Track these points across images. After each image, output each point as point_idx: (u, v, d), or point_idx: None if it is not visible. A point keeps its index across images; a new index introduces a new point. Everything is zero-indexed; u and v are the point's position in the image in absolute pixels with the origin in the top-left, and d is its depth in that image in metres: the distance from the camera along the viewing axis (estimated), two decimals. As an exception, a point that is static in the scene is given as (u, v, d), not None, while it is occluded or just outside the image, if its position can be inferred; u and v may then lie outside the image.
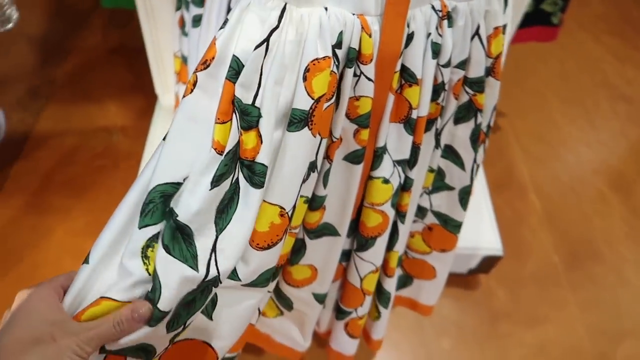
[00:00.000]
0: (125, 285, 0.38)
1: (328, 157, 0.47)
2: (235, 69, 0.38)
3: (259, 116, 0.39)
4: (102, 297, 0.38)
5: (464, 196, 0.61)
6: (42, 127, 1.22)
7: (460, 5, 0.44)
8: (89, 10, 1.49)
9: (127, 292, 0.38)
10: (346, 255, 0.62)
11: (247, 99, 0.39)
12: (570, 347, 1.04)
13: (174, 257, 0.38)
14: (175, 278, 0.38)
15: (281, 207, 0.43)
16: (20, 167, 1.14)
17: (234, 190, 0.40)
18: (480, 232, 1.02)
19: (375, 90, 0.44)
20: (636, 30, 1.80)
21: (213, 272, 0.40)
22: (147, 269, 0.38)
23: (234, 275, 0.44)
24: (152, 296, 0.37)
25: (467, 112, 0.53)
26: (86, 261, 0.39)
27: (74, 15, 1.48)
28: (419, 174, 0.56)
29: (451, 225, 0.65)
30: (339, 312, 0.68)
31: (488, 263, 1.03)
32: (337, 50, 0.39)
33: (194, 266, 0.39)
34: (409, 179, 0.52)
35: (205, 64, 0.38)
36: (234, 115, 0.39)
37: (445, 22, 0.43)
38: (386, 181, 0.51)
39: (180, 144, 0.39)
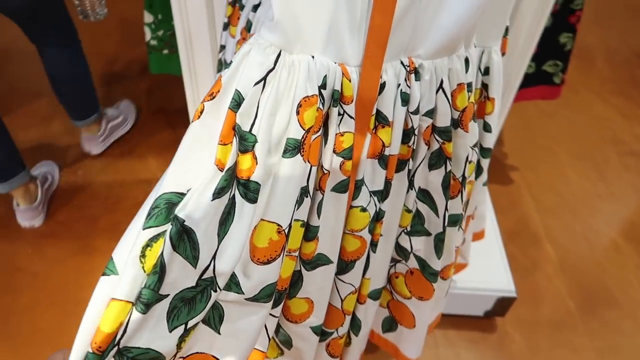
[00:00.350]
0: (125, 284, 0.43)
1: (320, 188, 0.53)
2: (237, 100, 0.46)
3: (255, 142, 0.46)
4: (111, 299, 0.43)
5: (438, 243, 0.65)
6: (92, 179, 1.35)
7: (425, 62, 0.52)
8: (136, 74, 1.68)
9: (128, 290, 0.43)
10: None
11: (246, 127, 0.46)
12: (589, 392, 1.05)
13: (177, 253, 0.44)
14: (177, 266, 0.44)
15: (278, 225, 0.49)
16: (71, 214, 1.26)
17: (231, 204, 0.47)
18: (493, 274, 1.07)
19: (356, 130, 0.51)
20: (642, 91, 1.89)
21: (209, 273, 0.46)
22: (142, 267, 0.43)
23: (238, 289, 0.49)
24: (152, 280, 0.43)
25: (437, 159, 0.60)
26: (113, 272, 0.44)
27: (122, 79, 1.66)
28: (392, 208, 0.61)
29: (428, 272, 0.69)
30: (322, 335, 0.70)
31: (503, 305, 1.08)
32: (322, 91, 0.47)
33: (194, 263, 0.45)
34: (382, 210, 0.58)
35: (211, 96, 0.47)
36: (234, 139, 0.46)
37: (413, 76, 0.52)
38: (364, 209, 0.56)
39: (186, 161, 0.46)
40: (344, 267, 0.61)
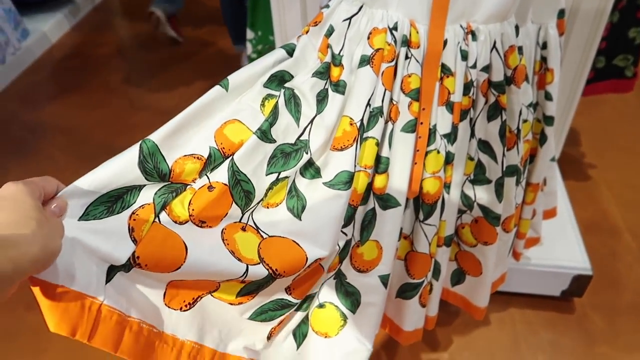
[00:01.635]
0: (246, 117, 0.56)
1: (391, 119, 0.64)
2: (330, 31, 0.62)
3: (341, 59, 0.61)
4: (236, 119, 0.55)
5: (498, 188, 0.74)
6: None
7: (481, 26, 0.64)
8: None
9: (249, 122, 0.56)
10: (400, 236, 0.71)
11: (336, 50, 0.62)
12: (674, 372, 1.05)
13: (287, 109, 0.58)
14: (285, 118, 0.58)
15: (351, 118, 0.60)
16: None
17: (325, 94, 0.61)
18: (568, 252, 1.12)
19: (425, 82, 0.63)
20: None
21: (306, 136, 0.59)
22: (262, 112, 0.58)
23: (317, 173, 0.59)
24: (270, 120, 0.56)
25: (494, 110, 0.69)
26: (223, 85, 0.55)
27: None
28: (459, 152, 0.69)
29: (491, 217, 0.76)
30: (408, 291, 0.75)
31: (580, 284, 1.11)
32: (394, 32, 0.61)
33: (297, 122, 0.59)
34: (451, 153, 0.67)
35: (315, 23, 0.63)
36: (328, 52, 0.62)
37: (470, 36, 0.64)
38: (438, 152, 0.66)
39: (297, 57, 0.62)
40: (428, 210, 0.69)
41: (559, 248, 1.13)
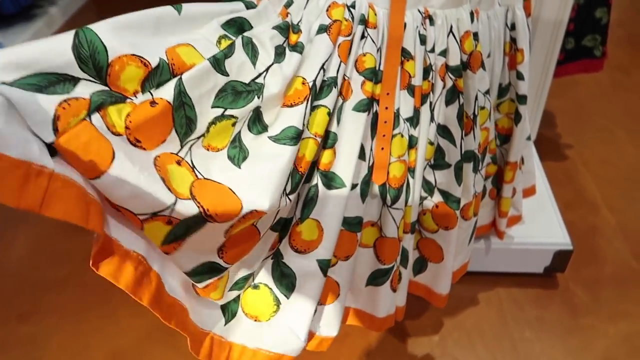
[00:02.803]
0: (200, 44, 0.53)
1: (342, 94, 0.63)
2: (290, 3, 0.62)
3: (299, 27, 0.60)
4: (190, 44, 0.52)
5: (457, 171, 0.75)
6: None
7: (438, 11, 0.67)
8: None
9: (203, 50, 0.53)
10: (360, 225, 0.69)
11: (295, 20, 0.61)
12: (656, 338, 1.09)
13: (244, 51, 0.56)
14: (240, 57, 0.55)
15: (303, 78, 0.58)
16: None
17: (283, 50, 0.59)
18: (548, 229, 1.15)
19: (388, 66, 0.63)
20: (702, 68, 1.89)
21: (261, 80, 0.57)
22: (218, 46, 0.55)
23: (263, 129, 0.57)
24: (225, 52, 0.53)
25: (452, 94, 0.71)
26: (176, 8, 0.52)
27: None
28: (421, 137, 0.70)
29: (451, 201, 0.77)
30: (379, 277, 0.75)
31: (561, 259, 1.15)
32: (351, 9, 0.61)
33: (253, 65, 0.56)
34: (414, 136, 0.69)
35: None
36: (288, 19, 0.61)
37: (427, 21, 0.66)
38: (402, 135, 0.68)
39: (258, 14, 0.60)
40: (395, 194, 0.70)
41: (540, 226, 1.16)
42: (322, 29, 0.60)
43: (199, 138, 0.52)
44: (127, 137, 0.46)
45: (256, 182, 0.53)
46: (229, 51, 0.54)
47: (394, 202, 0.70)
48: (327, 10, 0.61)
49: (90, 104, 0.43)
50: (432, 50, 0.68)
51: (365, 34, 0.63)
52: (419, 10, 0.66)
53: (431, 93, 0.71)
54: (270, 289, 0.64)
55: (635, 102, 1.76)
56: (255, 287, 0.64)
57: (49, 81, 0.41)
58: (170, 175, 0.48)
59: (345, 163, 0.64)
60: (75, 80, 0.43)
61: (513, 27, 0.82)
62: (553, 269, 1.17)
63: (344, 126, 0.64)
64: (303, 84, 0.58)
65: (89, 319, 1.19)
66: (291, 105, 0.58)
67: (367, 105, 0.64)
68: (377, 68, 0.64)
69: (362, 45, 0.63)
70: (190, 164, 0.51)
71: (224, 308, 0.62)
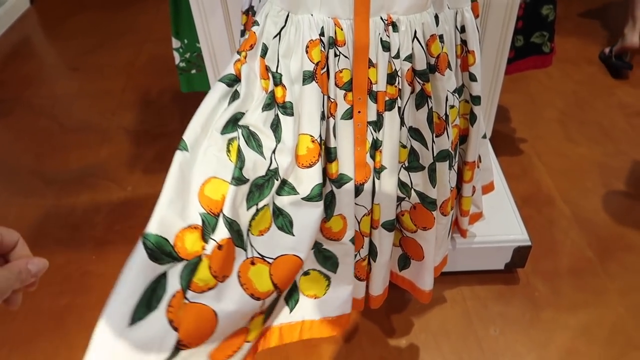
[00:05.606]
0: (223, 170, 0.60)
1: (331, 114, 0.69)
2: (264, 50, 0.66)
3: (281, 77, 0.65)
4: (212, 177, 0.59)
5: (431, 173, 0.77)
6: (139, 193, 1.52)
7: (401, 17, 0.67)
8: (168, 102, 1.86)
9: (224, 175, 0.60)
10: None
11: (273, 68, 0.66)
12: (613, 326, 1.12)
13: (249, 147, 0.63)
14: (251, 157, 0.63)
15: (311, 135, 0.66)
16: (125, 223, 1.43)
17: (277, 119, 0.66)
18: (507, 226, 1.17)
19: (357, 73, 0.67)
20: (644, 58, 1.97)
21: (274, 165, 0.63)
22: (229, 159, 0.62)
23: (293, 191, 0.66)
24: (239, 165, 0.61)
25: (421, 98, 0.72)
26: (182, 148, 0.60)
27: (157, 110, 1.85)
28: (390, 142, 0.73)
29: (427, 202, 0.80)
30: None
31: (520, 255, 1.17)
32: (322, 37, 0.65)
33: (262, 155, 0.63)
34: (378, 139, 0.72)
35: (250, 46, 0.66)
36: (269, 75, 0.66)
37: (391, 27, 0.66)
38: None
39: (243, 91, 0.65)
40: (355, 189, 0.74)
41: (498, 223, 1.17)
42: (309, 77, 0.66)
43: (247, 234, 0.63)
44: (219, 281, 0.59)
45: (305, 239, 0.67)
46: (242, 162, 0.63)
47: (355, 196, 0.74)
48: (306, 52, 0.65)
49: (183, 291, 0.56)
50: (397, 56, 0.68)
51: (337, 53, 0.66)
52: (381, 18, 0.66)
53: (398, 98, 0.72)
54: (319, 271, 0.77)
55: (584, 94, 1.81)
56: (306, 273, 0.76)
57: (150, 296, 0.53)
58: (255, 283, 0.62)
59: (348, 164, 0.72)
60: (164, 276, 0.55)
61: (463, 30, 0.82)
62: (513, 264, 1.19)
63: (339, 136, 0.71)
64: (312, 141, 0.67)
65: (41, 347, 1.13)
66: (310, 166, 0.67)
67: (351, 112, 0.70)
68: (351, 77, 0.69)
69: (337, 64, 0.67)
70: (260, 257, 0.64)
71: (287, 300, 0.74)
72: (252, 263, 0.63)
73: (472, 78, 0.86)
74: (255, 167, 0.63)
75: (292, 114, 0.65)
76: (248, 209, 0.62)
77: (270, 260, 0.64)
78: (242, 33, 1.01)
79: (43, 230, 1.43)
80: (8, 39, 2.40)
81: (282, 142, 0.65)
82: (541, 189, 1.46)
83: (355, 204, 0.75)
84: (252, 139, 0.64)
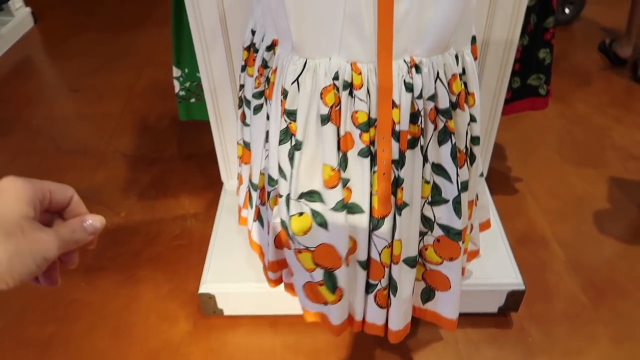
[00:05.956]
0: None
1: (345, 147, 0.73)
2: (284, 94, 0.72)
3: (296, 118, 0.73)
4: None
5: (456, 206, 0.79)
6: (133, 219, 1.51)
7: (424, 59, 0.69)
8: (166, 127, 1.87)
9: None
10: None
11: (292, 108, 0.73)
12: (607, 375, 1.10)
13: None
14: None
15: (331, 166, 0.73)
16: (117, 250, 1.41)
17: (294, 150, 0.74)
18: (500, 269, 1.16)
19: (381, 114, 0.70)
20: (638, 100, 1.99)
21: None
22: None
23: (323, 202, 0.76)
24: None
25: (444, 135, 0.75)
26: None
27: (154, 134, 1.85)
28: (412, 179, 0.76)
29: (452, 234, 0.81)
30: (368, 287, 0.86)
31: (514, 299, 1.16)
32: (335, 82, 0.69)
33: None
34: (400, 177, 0.74)
35: (283, 93, 0.73)
36: (284, 117, 0.75)
37: (414, 69, 0.68)
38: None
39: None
40: (375, 223, 0.78)
41: (493, 266, 1.17)
42: (325, 119, 0.71)
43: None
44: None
45: (340, 238, 0.78)
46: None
47: (374, 229, 0.79)
48: (321, 98, 0.70)
49: None
50: (420, 97, 0.70)
51: (353, 95, 0.69)
52: (404, 60, 0.69)
53: (421, 137, 0.74)
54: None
55: (578, 133, 1.83)
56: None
57: None
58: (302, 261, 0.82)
59: (360, 197, 0.77)
60: None
61: (463, 72, 0.83)
62: (507, 308, 1.18)
63: (353, 169, 0.75)
64: (332, 170, 0.74)
65: (25, 379, 1.11)
66: (333, 187, 0.75)
67: (368, 151, 0.74)
68: (369, 117, 0.72)
69: (353, 105, 0.71)
70: (304, 247, 0.80)
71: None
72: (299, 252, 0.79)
73: (472, 119, 0.87)
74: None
75: (299, 149, 0.74)
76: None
77: (312, 249, 0.78)
78: (243, 68, 1.01)
79: (33, 255, 1.41)
80: (10, 57, 2.41)
81: (297, 166, 0.74)
82: (535, 230, 1.46)
83: (376, 236, 0.78)
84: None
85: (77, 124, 1.94)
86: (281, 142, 0.76)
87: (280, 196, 0.79)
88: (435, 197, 0.80)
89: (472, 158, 0.91)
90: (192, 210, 1.53)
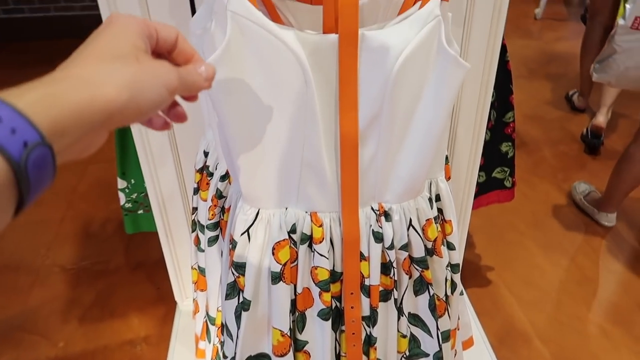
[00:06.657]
0: None
1: (303, 308, 0.64)
2: (233, 244, 0.62)
3: (244, 272, 0.62)
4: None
5: None
6: (73, 350, 1.32)
7: (394, 206, 0.61)
8: (112, 234, 1.71)
9: None
10: None
11: (241, 261, 0.62)
12: None
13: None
14: None
15: (281, 330, 0.63)
16: (53, 391, 1.22)
17: (241, 310, 0.63)
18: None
19: (348, 269, 0.61)
20: (589, 171, 2.03)
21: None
22: None
23: None
24: None
25: (420, 285, 0.67)
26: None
27: (98, 242, 1.69)
28: (386, 335, 0.66)
29: None
30: None
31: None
32: (292, 235, 0.60)
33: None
34: (373, 335, 0.64)
35: (231, 242, 0.64)
36: (232, 269, 0.63)
37: (383, 217, 0.60)
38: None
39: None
40: None
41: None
42: (276, 278, 0.61)
43: None
44: None
45: None
46: None
47: None
48: (273, 254, 0.60)
49: None
50: (392, 247, 0.62)
51: (313, 249, 0.60)
52: (372, 208, 0.61)
53: (394, 290, 0.65)
54: None
55: (542, 214, 1.82)
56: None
57: None
58: None
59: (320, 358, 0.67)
60: None
61: (437, 199, 0.77)
62: None
63: (312, 331, 0.65)
64: (282, 335, 0.64)
65: None
66: (282, 355, 0.64)
67: (329, 312, 0.64)
68: (332, 272, 0.63)
69: (311, 260, 0.62)
70: None
71: None
72: None
73: (451, 247, 0.80)
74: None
75: (247, 310, 0.63)
76: None
77: None
78: (195, 191, 0.92)
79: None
80: None
81: (241, 332, 0.64)
82: (515, 325, 1.38)
83: None
84: None
85: (9, 236, 1.75)
86: (227, 296, 0.65)
87: (225, 357, 0.68)
88: (414, 350, 0.71)
89: (453, 287, 0.84)
90: (143, 332, 1.36)
